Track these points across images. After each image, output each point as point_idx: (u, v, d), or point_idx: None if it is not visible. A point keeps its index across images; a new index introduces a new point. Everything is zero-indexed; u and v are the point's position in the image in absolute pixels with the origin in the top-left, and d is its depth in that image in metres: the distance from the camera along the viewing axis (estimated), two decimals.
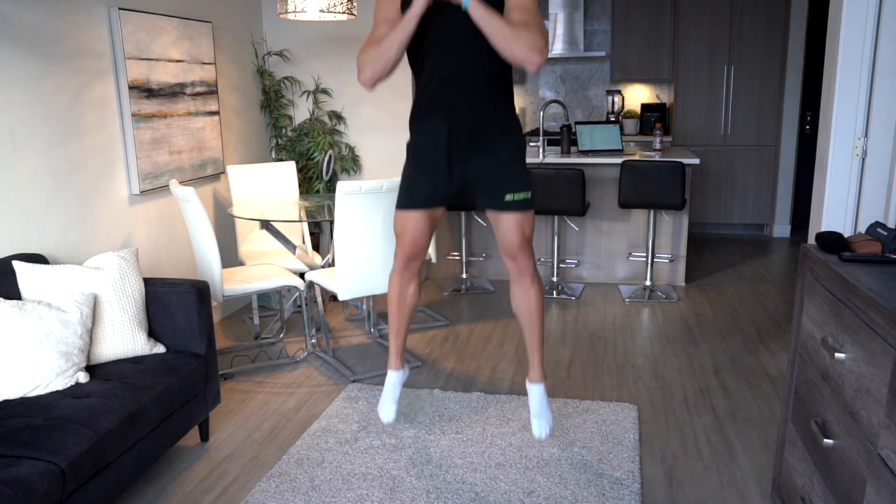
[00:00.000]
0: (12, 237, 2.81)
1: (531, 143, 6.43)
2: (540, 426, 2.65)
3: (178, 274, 3.99)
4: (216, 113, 4.24)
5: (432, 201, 2.60)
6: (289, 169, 4.40)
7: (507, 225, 2.54)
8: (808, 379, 1.97)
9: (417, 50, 2.49)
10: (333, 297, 4.72)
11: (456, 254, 5.29)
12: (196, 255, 3.55)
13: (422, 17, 2.34)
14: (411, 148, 2.66)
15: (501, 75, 2.48)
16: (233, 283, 3.47)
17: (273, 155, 5.06)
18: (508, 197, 2.51)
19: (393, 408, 2.74)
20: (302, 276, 3.96)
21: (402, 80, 4.91)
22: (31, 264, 2.59)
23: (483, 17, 2.23)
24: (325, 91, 5.03)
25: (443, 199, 2.61)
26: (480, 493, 2.48)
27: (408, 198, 2.62)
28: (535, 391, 2.72)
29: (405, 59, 2.51)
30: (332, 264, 3.99)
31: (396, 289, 2.70)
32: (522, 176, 2.53)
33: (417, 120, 2.60)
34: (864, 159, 2.85)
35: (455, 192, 2.59)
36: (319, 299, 3.95)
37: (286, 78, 5.01)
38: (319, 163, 4.83)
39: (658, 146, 5.22)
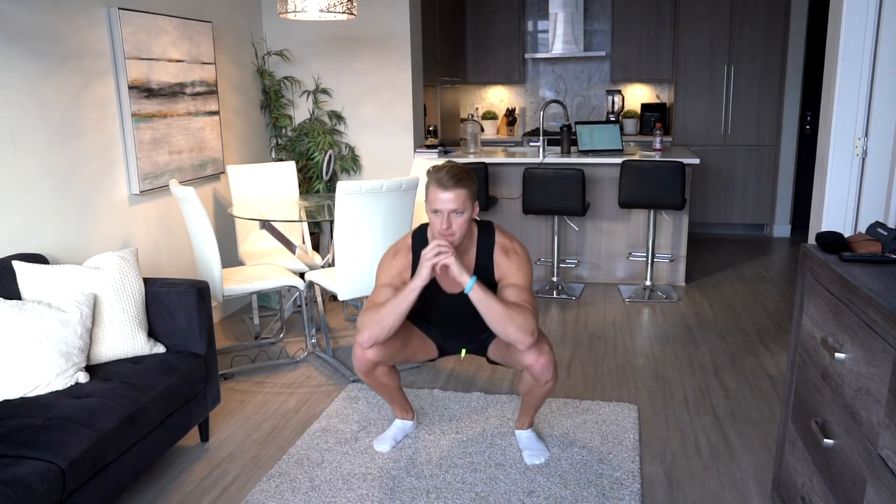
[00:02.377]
0: (12, 237, 2.81)
1: (531, 143, 6.43)
2: (531, 457, 2.70)
3: (178, 274, 3.99)
4: (216, 113, 4.24)
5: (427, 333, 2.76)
6: (289, 169, 4.40)
7: (498, 348, 2.65)
8: (808, 379, 1.97)
9: (424, 308, 2.65)
10: (333, 297, 4.71)
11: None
12: (196, 255, 3.55)
13: (426, 292, 2.44)
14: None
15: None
16: (233, 283, 3.47)
17: (273, 155, 5.06)
18: (482, 336, 2.69)
19: (392, 444, 2.82)
20: (302, 276, 3.96)
21: (403, 80, 4.92)
22: (31, 264, 2.59)
23: (481, 301, 2.32)
24: (325, 91, 5.03)
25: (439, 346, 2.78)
26: (480, 493, 2.48)
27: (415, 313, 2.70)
28: (524, 435, 2.81)
29: None
30: (332, 264, 3.99)
31: (363, 378, 2.65)
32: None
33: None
34: (864, 159, 2.85)
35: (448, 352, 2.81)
36: (319, 299, 3.95)
37: (286, 78, 5.01)
38: (319, 163, 4.83)
39: (658, 146, 5.22)
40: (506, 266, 2.46)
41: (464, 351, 2.76)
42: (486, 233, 2.50)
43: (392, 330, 2.42)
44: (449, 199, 2.31)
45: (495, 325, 2.33)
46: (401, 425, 2.89)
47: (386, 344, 2.51)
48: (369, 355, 2.52)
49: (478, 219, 2.53)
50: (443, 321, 2.67)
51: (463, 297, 2.38)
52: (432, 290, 2.51)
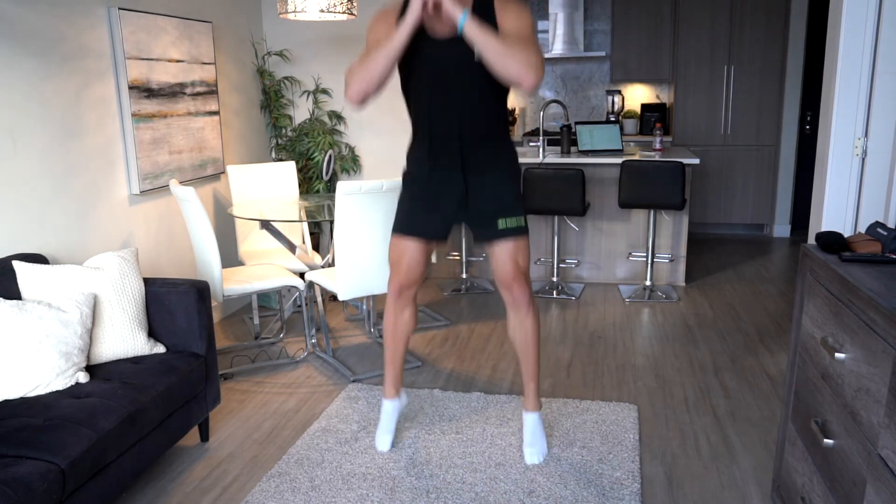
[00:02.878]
0: (12, 237, 2.81)
1: (531, 143, 6.43)
2: (532, 455, 2.69)
3: (178, 274, 3.99)
4: (216, 113, 4.24)
5: (432, 234, 2.61)
6: (289, 169, 4.40)
7: (500, 255, 2.54)
8: (808, 379, 1.97)
9: (409, 81, 2.48)
10: (333, 297, 4.72)
11: (456, 254, 5.29)
12: (196, 255, 3.55)
13: (414, 48, 2.32)
14: (410, 183, 2.63)
15: (497, 108, 2.48)
16: (233, 283, 3.47)
17: (273, 155, 5.06)
18: (501, 224, 2.51)
19: (388, 438, 2.79)
20: (302, 276, 3.96)
21: None
22: (31, 264, 2.59)
23: (478, 35, 2.19)
24: (325, 91, 5.03)
25: (443, 233, 2.63)
26: (480, 493, 2.48)
27: (407, 225, 2.61)
28: (530, 420, 2.77)
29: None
30: (332, 264, 3.99)
31: (391, 316, 2.71)
32: (515, 203, 2.53)
33: (417, 161, 2.58)
34: (864, 159, 2.85)
35: (451, 225, 2.64)
36: (319, 299, 3.95)
37: (286, 78, 5.01)
38: (319, 163, 4.83)
39: (658, 146, 5.22)
40: (505, 14, 2.31)
41: (460, 181, 2.50)
42: None
43: (381, 79, 2.26)
44: None
45: (496, 60, 2.17)
46: (389, 410, 2.82)
47: (412, 269, 2.56)
48: (403, 278, 2.58)
49: None
50: (432, 84, 2.41)
51: (455, 46, 2.26)
52: (420, 43, 2.34)
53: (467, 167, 2.48)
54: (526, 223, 2.57)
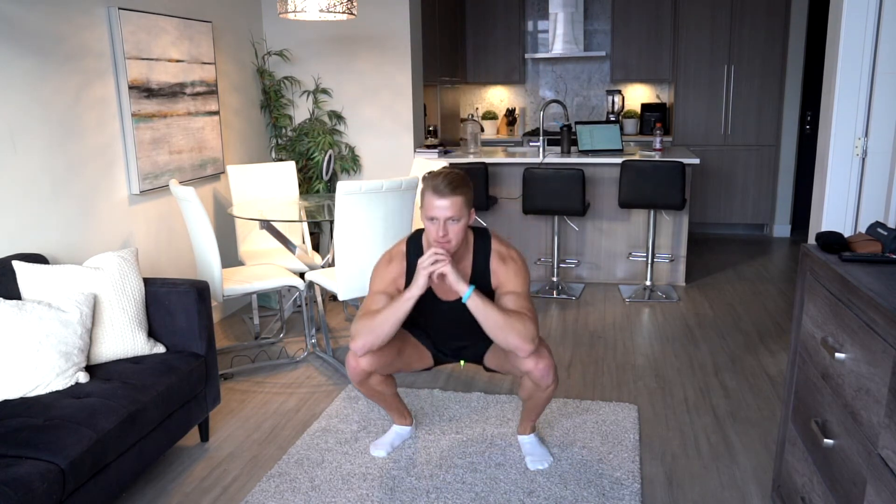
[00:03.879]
0: (12, 237, 2.81)
1: (531, 143, 6.43)
2: (534, 462, 2.68)
3: (178, 274, 3.99)
4: (216, 113, 4.24)
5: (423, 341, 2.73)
6: (289, 169, 4.40)
7: (497, 354, 2.60)
8: (808, 379, 1.97)
9: (419, 316, 2.60)
10: (333, 297, 4.71)
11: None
12: (196, 255, 3.55)
13: (424, 301, 2.42)
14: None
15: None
16: (233, 282, 3.47)
17: (273, 155, 5.06)
18: (479, 344, 2.65)
19: (388, 449, 2.80)
20: (302, 276, 3.96)
21: (403, 80, 4.92)
22: (31, 264, 2.59)
23: (479, 309, 2.29)
24: (325, 91, 5.03)
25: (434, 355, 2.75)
26: (480, 493, 2.48)
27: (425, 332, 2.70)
28: (526, 440, 2.78)
29: None
30: (332, 264, 3.99)
31: (357, 380, 2.57)
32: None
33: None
34: (864, 159, 2.85)
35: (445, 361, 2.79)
36: (319, 299, 3.95)
37: (286, 78, 5.01)
38: (319, 163, 4.83)
39: (658, 146, 5.22)
40: (503, 273, 2.43)
41: (462, 361, 2.74)
42: (481, 240, 2.48)
43: (387, 338, 2.38)
44: (445, 206, 2.28)
45: (495, 333, 2.29)
46: (399, 431, 2.86)
47: (381, 353, 2.47)
48: (363, 364, 2.47)
49: (473, 226, 2.51)
50: (438, 330, 2.64)
51: (459, 306, 2.35)
52: (428, 298, 2.48)
53: (471, 356, 2.73)
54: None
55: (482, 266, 2.46)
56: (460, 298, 2.34)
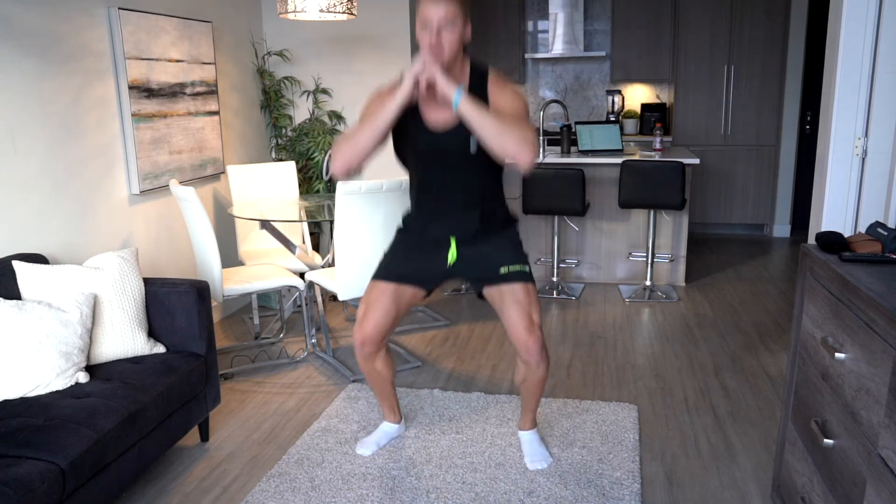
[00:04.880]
0: (12, 237, 2.81)
1: None
2: (533, 462, 2.67)
3: (178, 274, 3.99)
4: (216, 113, 4.24)
5: (413, 279, 2.51)
6: (289, 169, 4.40)
7: (510, 306, 2.43)
8: (808, 379, 1.97)
9: (406, 160, 2.46)
10: (333, 297, 4.71)
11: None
12: (196, 255, 3.55)
13: (410, 136, 2.30)
14: (400, 234, 2.57)
15: (494, 186, 2.46)
16: (233, 283, 3.47)
17: (273, 155, 5.06)
18: (503, 269, 2.45)
19: (374, 448, 2.78)
20: (302, 276, 3.96)
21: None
22: (31, 264, 2.59)
23: (473, 113, 2.14)
24: (325, 91, 5.03)
25: (425, 281, 2.53)
26: (480, 493, 2.48)
27: (386, 270, 2.52)
28: (526, 437, 2.77)
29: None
30: (332, 264, 3.99)
31: (361, 366, 2.63)
32: (517, 254, 2.49)
33: (413, 219, 2.54)
34: (864, 159, 2.85)
35: (441, 279, 2.54)
36: (319, 299, 3.95)
37: (286, 78, 5.01)
38: (319, 163, 4.83)
39: (658, 146, 5.22)
40: (499, 96, 2.28)
41: (453, 244, 2.46)
42: (478, 66, 2.34)
43: (366, 151, 2.21)
44: (439, 9, 2.13)
45: (491, 137, 2.12)
46: (386, 430, 2.86)
47: (379, 315, 2.45)
48: (367, 329, 2.45)
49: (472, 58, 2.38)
50: (430, 170, 2.40)
51: (451, 137, 2.24)
52: (416, 133, 2.32)
53: (464, 236, 2.46)
54: (531, 273, 2.50)
55: (478, 89, 2.29)
56: (452, 129, 2.23)
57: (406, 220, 2.57)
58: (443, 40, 2.16)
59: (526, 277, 2.48)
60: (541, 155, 5.01)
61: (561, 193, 4.55)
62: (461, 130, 2.26)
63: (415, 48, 4.95)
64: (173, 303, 2.75)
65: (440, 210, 2.44)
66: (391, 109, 2.17)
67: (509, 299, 2.45)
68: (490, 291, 2.49)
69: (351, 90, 5.01)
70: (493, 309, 2.56)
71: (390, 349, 2.70)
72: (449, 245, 2.46)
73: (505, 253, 2.47)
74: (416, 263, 2.52)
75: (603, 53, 6.72)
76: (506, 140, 2.11)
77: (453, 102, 2.14)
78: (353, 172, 2.27)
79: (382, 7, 4.82)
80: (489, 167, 2.38)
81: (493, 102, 2.28)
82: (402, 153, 2.45)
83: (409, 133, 2.34)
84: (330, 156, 2.27)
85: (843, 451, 1.66)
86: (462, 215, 2.43)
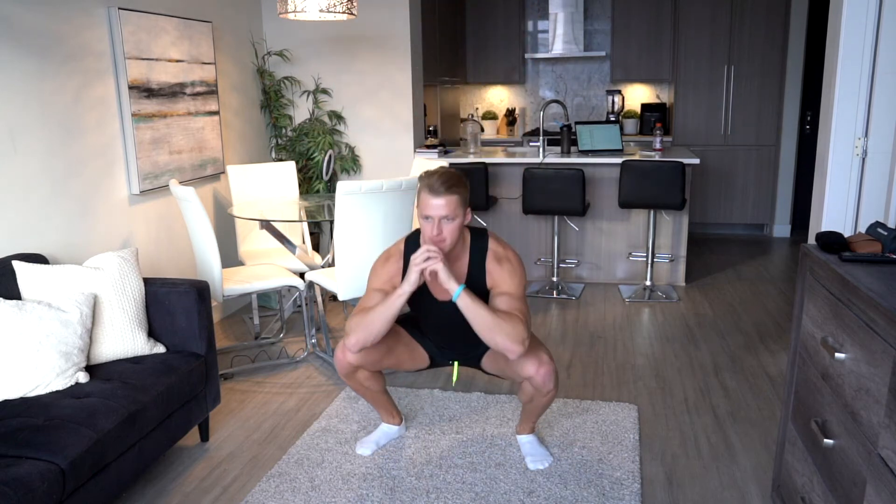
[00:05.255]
0: (12, 237, 2.81)
1: (531, 143, 6.43)
2: (534, 462, 2.68)
3: (178, 274, 3.99)
4: (216, 113, 4.24)
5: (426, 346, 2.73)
6: (289, 169, 4.40)
7: (510, 362, 2.51)
8: (808, 379, 1.97)
9: (413, 307, 2.60)
10: (333, 297, 4.72)
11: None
12: (196, 255, 3.55)
13: (417, 295, 2.44)
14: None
15: None
16: (233, 283, 3.47)
17: (273, 155, 5.06)
18: (476, 348, 2.64)
19: (373, 448, 2.80)
20: (302, 276, 3.96)
21: (403, 81, 4.92)
22: (31, 264, 2.59)
23: (469, 309, 2.29)
24: (325, 91, 5.03)
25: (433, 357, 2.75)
26: (480, 493, 2.48)
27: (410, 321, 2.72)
28: (525, 440, 2.79)
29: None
30: (332, 264, 3.99)
31: (345, 380, 2.64)
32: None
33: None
34: (864, 159, 2.85)
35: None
36: (319, 299, 3.95)
37: (286, 78, 5.01)
38: (319, 163, 4.83)
39: (658, 146, 5.22)
40: (498, 274, 2.43)
41: (456, 365, 2.74)
42: (478, 240, 2.48)
43: (379, 335, 2.39)
44: (440, 205, 2.29)
45: (484, 333, 2.29)
46: (385, 430, 2.87)
47: (368, 350, 2.49)
48: (350, 359, 2.51)
49: (471, 225, 2.51)
50: (435, 330, 2.64)
51: (454, 305, 2.35)
52: (424, 297, 2.49)
53: (467, 360, 2.73)
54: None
55: (478, 265, 2.46)
56: (452, 298, 2.34)
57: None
58: (444, 232, 2.33)
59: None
60: (541, 155, 5.01)
61: (561, 193, 4.55)
62: None
63: (414, 48, 4.95)
64: (173, 303, 2.75)
65: (444, 345, 2.69)
66: (399, 297, 2.34)
67: (504, 357, 2.56)
68: (485, 361, 2.68)
69: (351, 90, 5.01)
70: (499, 375, 2.71)
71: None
72: (454, 369, 2.77)
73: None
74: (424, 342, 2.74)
75: (603, 53, 6.72)
76: (496, 336, 2.27)
77: (453, 296, 2.30)
78: (368, 348, 2.46)
79: (382, 7, 4.82)
80: None
81: (491, 280, 2.44)
82: (409, 303, 2.58)
83: (419, 304, 2.54)
84: (346, 330, 2.45)
85: (843, 451, 1.66)
86: (464, 350, 2.68)
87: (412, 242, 2.51)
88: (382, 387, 2.73)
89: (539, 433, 2.88)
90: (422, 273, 2.31)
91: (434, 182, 2.29)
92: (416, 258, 2.30)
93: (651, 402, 3.20)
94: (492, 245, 2.47)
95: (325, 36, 4.96)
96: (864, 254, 1.81)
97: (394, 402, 2.87)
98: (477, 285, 2.43)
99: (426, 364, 2.73)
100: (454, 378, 2.81)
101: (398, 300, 2.33)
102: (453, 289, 2.29)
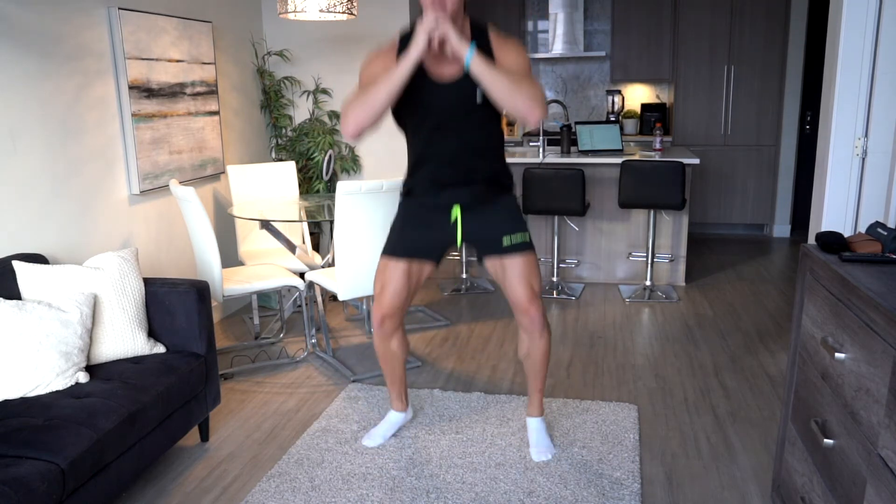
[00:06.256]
0: (12, 237, 2.81)
1: (531, 143, 6.43)
2: (538, 454, 2.70)
3: (178, 274, 3.99)
4: (216, 113, 4.24)
5: (423, 253, 2.57)
6: (289, 169, 4.40)
7: (512, 278, 2.51)
8: (808, 379, 1.97)
9: (407, 119, 2.45)
10: (333, 297, 4.72)
11: (456, 254, 5.29)
12: (196, 255, 3.55)
13: (413, 89, 2.30)
14: (405, 206, 2.61)
15: (496, 147, 2.50)
16: (233, 283, 3.47)
17: (273, 155, 5.06)
18: (506, 241, 2.50)
19: (381, 441, 2.82)
20: (302, 276, 3.96)
21: None
22: (31, 264, 2.59)
23: (485, 71, 2.17)
24: (325, 91, 5.03)
25: (434, 253, 2.58)
26: (480, 493, 2.48)
27: (396, 245, 2.57)
28: (533, 425, 2.80)
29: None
30: (332, 264, 3.99)
31: (378, 345, 2.71)
32: (517, 222, 2.54)
33: (415, 189, 2.54)
34: (864, 159, 2.85)
35: (448, 248, 2.61)
36: (319, 299, 3.95)
37: (286, 78, 5.01)
38: (319, 163, 4.83)
39: (658, 146, 5.22)
40: (504, 53, 2.31)
41: (457, 211, 2.49)
42: (478, 26, 2.37)
43: (381, 111, 2.21)
44: None
45: (503, 95, 2.16)
46: (393, 419, 2.89)
47: (392, 294, 2.53)
48: (385, 308, 2.55)
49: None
50: (435, 147, 2.42)
51: (458, 90, 2.26)
52: (421, 90, 2.33)
53: (467, 200, 2.49)
54: (531, 241, 2.56)
55: (482, 46, 2.33)
56: (458, 81, 2.25)
57: (408, 186, 2.56)
58: None
59: (527, 247, 2.54)
60: (541, 155, 5.01)
61: (561, 193, 4.55)
62: (467, 82, 2.30)
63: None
64: (173, 303, 2.75)
65: (443, 170, 2.44)
66: (407, 66, 2.17)
67: (511, 271, 2.52)
68: (492, 262, 2.56)
69: (351, 90, 5.01)
70: (494, 278, 2.63)
71: (405, 330, 2.76)
72: (453, 213, 2.50)
73: (506, 223, 2.52)
74: (424, 236, 2.56)
75: (603, 53, 6.72)
76: (516, 97, 2.15)
77: (465, 60, 2.16)
78: (365, 133, 2.27)
79: (382, 7, 4.82)
80: (492, 120, 2.42)
81: (499, 59, 2.31)
82: (402, 112, 2.44)
83: (413, 88, 2.32)
84: (341, 115, 2.27)
85: (843, 451, 1.66)
86: (466, 175, 2.45)
87: (405, 38, 2.36)
88: (405, 357, 2.77)
89: (546, 419, 2.89)
90: (430, 42, 2.16)
91: None
92: (424, 23, 2.16)
93: (651, 402, 3.20)
94: (492, 29, 2.38)
95: (325, 36, 4.96)
96: (864, 254, 1.81)
97: (406, 385, 2.89)
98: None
99: (433, 268, 2.62)
100: (457, 232, 2.52)
101: (403, 69, 2.17)
102: (464, 52, 2.15)
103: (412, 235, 2.56)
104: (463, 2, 2.26)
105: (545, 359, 2.65)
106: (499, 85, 2.16)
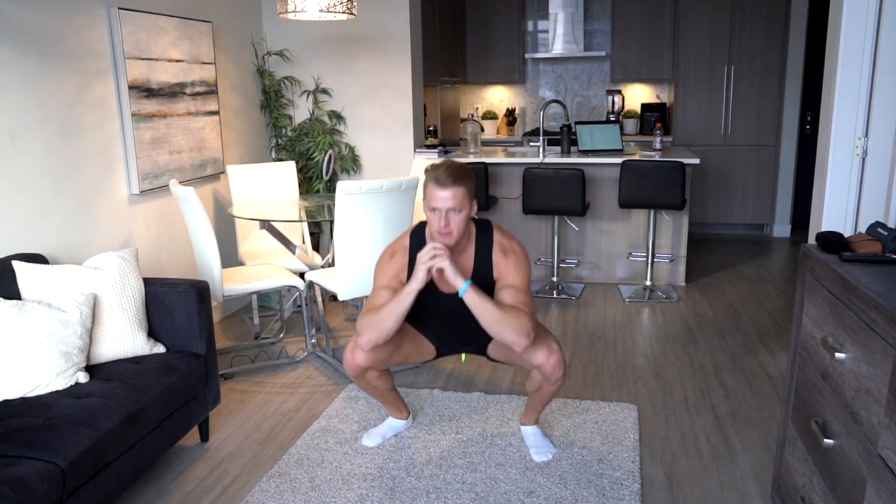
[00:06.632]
0: (12, 237, 2.81)
1: (531, 143, 6.43)
2: (539, 454, 2.71)
3: (178, 274, 3.99)
4: (216, 113, 4.24)
5: (439, 343, 2.74)
6: (289, 169, 4.40)
7: (498, 347, 2.60)
8: (808, 379, 1.97)
9: (417, 306, 2.55)
10: (333, 297, 4.71)
11: None
12: (196, 254, 3.55)
13: (421, 292, 2.42)
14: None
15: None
16: (233, 283, 3.47)
17: (273, 155, 5.06)
18: (482, 337, 2.62)
19: (380, 440, 2.83)
20: (302, 276, 3.96)
21: (403, 80, 4.92)
22: (31, 264, 2.59)
23: (475, 304, 2.31)
24: (325, 91, 5.03)
25: (443, 350, 2.76)
26: (480, 493, 2.48)
27: (427, 325, 2.70)
28: (529, 431, 2.81)
29: None
30: (332, 264, 3.99)
31: (354, 381, 2.66)
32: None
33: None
34: (864, 159, 2.85)
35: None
36: (319, 299, 3.95)
37: (286, 78, 5.01)
38: (319, 163, 4.83)
39: (658, 146, 5.22)
40: (504, 266, 2.44)
41: (464, 355, 2.74)
42: (484, 232, 2.49)
43: (391, 333, 2.40)
44: (447, 197, 2.29)
45: (490, 327, 2.31)
46: (393, 424, 2.90)
47: (377, 349, 2.50)
48: (359, 360, 2.52)
49: (476, 217, 2.53)
50: (440, 323, 2.65)
51: (459, 299, 2.37)
52: (429, 290, 2.50)
53: (472, 350, 2.74)
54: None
55: (484, 258, 2.47)
56: (458, 294, 2.36)
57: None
58: (451, 224, 2.33)
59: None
60: (541, 155, 5.01)
61: (561, 193, 4.55)
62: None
63: (415, 48, 4.95)
64: (173, 303, 2.75)
65: (450, 337, 2.68)
66: (409, 295, 2.35)
67: (493, 345, 2.64)
68: (492, 349, 2.69)
69: (351, 90, 5.01)
70: (507, 362, 2.74)
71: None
72: (461, 355, 2.80)
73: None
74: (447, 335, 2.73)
75: (603, 53, 6.72)
76: (503, 330, 2.29)
77: (460, 292, 2.33)
78: (380, 345, 2.48)
79: (382, 7, 4.82)
80: None
81: (497, 272, 2.46)
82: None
83: (424, 298, 2.47)
84: (357, 329, 2.46)
85: (843, 451, 1.66)
86: (469, 340, 2.67)
87: (417, 235, 2.51)
88: (391, 385, 2.75)
89: (542, 424, 2.89)
90: (429, 270, 2.33)
91: (441, 174, 2.30)
92: (423, 256, 2.32)
93: (651, 402, 3.20)
94: (497, 237, 2.48)
95: (325, 36, 4.96)
96: (864, 254, 1.81)
97: (401, 397, 2.90)
98: (483, 277, 2.45)
99: (433, 355, 2.74)
100: (463, 359, 2.79)
101: (407, 298, 2.35)
102: (459, 285, 2.31)
103: (440, 330, 2.69)
104: (467, 219, 2.37)
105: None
106: (487, 317, 2.31)
